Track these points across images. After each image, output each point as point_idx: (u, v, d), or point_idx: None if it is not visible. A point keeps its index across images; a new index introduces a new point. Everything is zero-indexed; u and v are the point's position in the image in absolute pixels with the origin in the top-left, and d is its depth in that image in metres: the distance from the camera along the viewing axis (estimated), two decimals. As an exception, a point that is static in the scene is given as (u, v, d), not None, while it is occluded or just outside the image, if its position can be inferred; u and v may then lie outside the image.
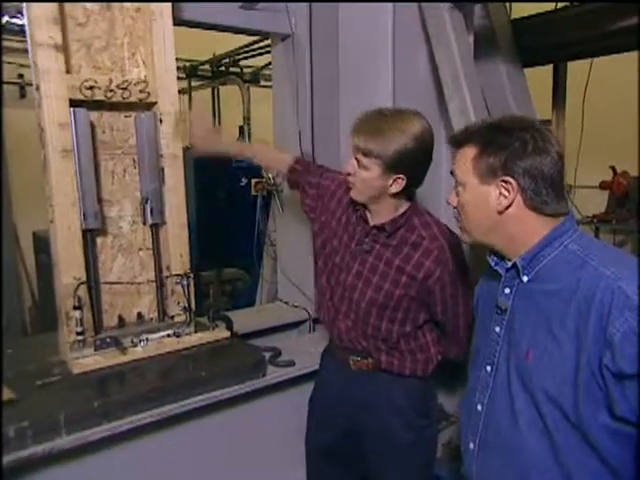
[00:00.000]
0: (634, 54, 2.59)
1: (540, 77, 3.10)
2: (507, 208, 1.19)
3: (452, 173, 1.31)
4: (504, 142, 1.18)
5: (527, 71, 2.83)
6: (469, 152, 1.24)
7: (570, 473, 1.13)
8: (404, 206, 1.74)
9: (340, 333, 1.85)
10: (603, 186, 4.41)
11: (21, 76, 4.82)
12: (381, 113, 1.65)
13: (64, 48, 1.80)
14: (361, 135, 1.62)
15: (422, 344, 1.81)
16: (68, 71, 1.83)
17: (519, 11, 2.90)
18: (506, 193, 1.18)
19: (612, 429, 1.07)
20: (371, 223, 1.76)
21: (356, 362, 1.83)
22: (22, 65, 4.51)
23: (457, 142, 1.30)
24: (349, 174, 1.69)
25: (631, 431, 1.06)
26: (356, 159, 1.65)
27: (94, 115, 1.94)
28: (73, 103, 1.82)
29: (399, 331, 1.77)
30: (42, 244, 4.32)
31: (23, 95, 4.92)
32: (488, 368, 1.28)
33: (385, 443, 1.83)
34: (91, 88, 1.86)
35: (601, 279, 1.07)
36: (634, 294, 1.02)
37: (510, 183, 1.17)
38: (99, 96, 1.88)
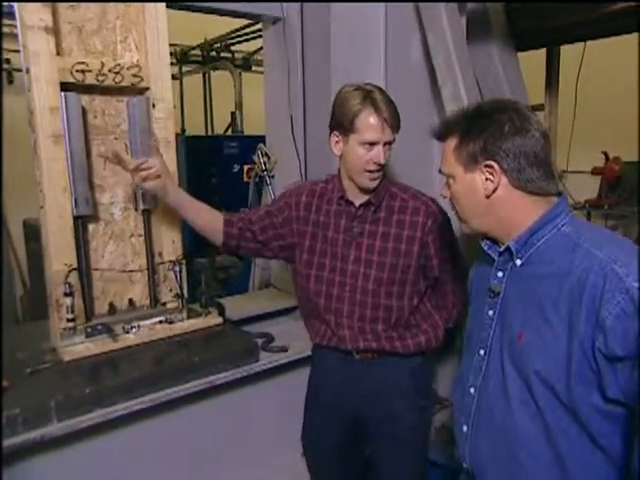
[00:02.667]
0: (627, 37, 2.58)
1: (533, 62, 3.10)
2: (494, 191, 1.19)
3: (440, 171, 1.31)
4: (481, 127, 1.18)
5: (520, 55, 2.82)
6: (450, 143, 1.25)
7: (561, 453, 1.14)
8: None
9: (344, 340, 1.80)
10: (595, 172, 4.42)
11: (8, 61, 4.76)
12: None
13: (55, 31, 1.78)
14: (389, 115, 1.66)
15: (425, 313, 1.83)
16: (59, 54, 1.80)
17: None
18: (491, 177, 1.19)
19: (603, 410, 1.08)
20: (357, 203, 1.78)
21: (361, 353, 1.81)
22: (9, 50, 4.45)
23: (439, 135, 1.31)
24: None
25: (621, 412, 1.07)
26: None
27: (85, 99, 1.92)
28: (64, 87, 1.80)
29: (409, 306, 1.78)
30: (33, 232, 4.29)
31: (11, 81, 4.86)
32: (481, 352, 1.29)
33: (389, 427, 1.82)
34: (82, 72, 1.83)
35: (594, 262, 1.07)
36: (626, 276, 1.02)
37: (492, 167, 1.17)
38: (90, 80, 1.86)
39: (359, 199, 1.78)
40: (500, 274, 1.26)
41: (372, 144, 1.66)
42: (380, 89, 1.70)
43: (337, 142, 1.74)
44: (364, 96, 1.65)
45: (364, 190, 1.75)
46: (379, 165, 1.68)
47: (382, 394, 1.81)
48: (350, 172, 1.75)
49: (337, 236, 1.80)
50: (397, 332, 1.79)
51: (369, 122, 1.64)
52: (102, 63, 1.88)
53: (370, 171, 1.69)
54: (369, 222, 1.77)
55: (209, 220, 1.89)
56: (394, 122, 1.67)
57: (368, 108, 1.64)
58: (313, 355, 1.99)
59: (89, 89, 1.91)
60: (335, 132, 1.74)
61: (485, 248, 1.28)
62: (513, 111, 1.18)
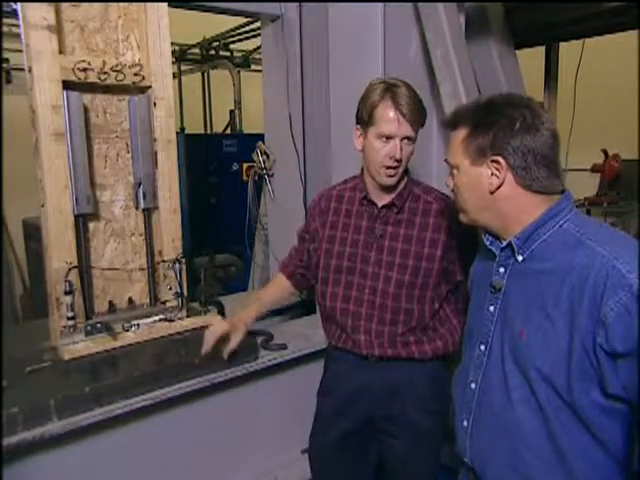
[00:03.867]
0: (626, 34, 2.59)
1: (533, 60, 3.10)
2: (499, 187, 1.19)
3: (446, 161, 1.31)
4: (492, 121, 1.18)
5: (519, 54, 2.82)
6: (460, 134, 1.24)
7: (561, 448, 1.14)
8: (404, 179, 1.76)
9: (359, 345, 1.77)
10: (595, 169, 4.42)
11: (7, 60, 4.75)
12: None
13: (57, 29, 1.78)
14: (408, 109, 1.62)
15: (443, 317, 1.80)
16: (61, 52, 1.81)
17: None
18: (497, 173, 1.18)
19: (604, 406, 1.08)
20: (380, 204, 1.75)
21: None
22: (8, 49, 4.44)
23: (449, 125, 1.30)
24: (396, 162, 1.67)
25: (622, 408, 1.08)
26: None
27: (87, 98, 1.92)
28: (66, 85, 1.80)
29: (430, 310, 1.75)
30: (32, 231, 4.30)
31: (9, 80, 4.86)
32: (482, 347, 1.29)
33: (401, 431, 1.80)
34: (84, 70, 1.84)
35: (596, 258, 1.07)
36: (629, 273, 1.03)
37: (499, 162, 1.17)
38: (92, 78, 1.87)
39: (382, 200, 1.75)
40: (502, 270, 1.26)
41: (389, 138, 1.63)
42: (406, 84, 1.66)
43: (359, 136, 1.71)
44: (385, 89, 1.63)
45: (384, 188, 1.72)
46: (396, 160, 1.64)
47: (396, 397, 1.78)
48: (369, 167, 1.72)
49: (358, 237, 1.78)
50: (415, 336, 1.76)
51: (386, 114, 1.61)
52: (104, 62, 1.88)
53: (387, 167, 1.65)
54: (391, 223, 1.74)
55: (283, 291, 2.06)
56: (413, 117, 1.62)
57: (386, 101, 1.61)
58: (328, 354, 1.96)
59: (91, 88, 1.92)
60: (357, 125, 1.71)
61: (487, 243, 1.28)
62: (525, 108, 1.17)
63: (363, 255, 1.76)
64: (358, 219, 1.79)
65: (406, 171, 1.76)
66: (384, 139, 1.63)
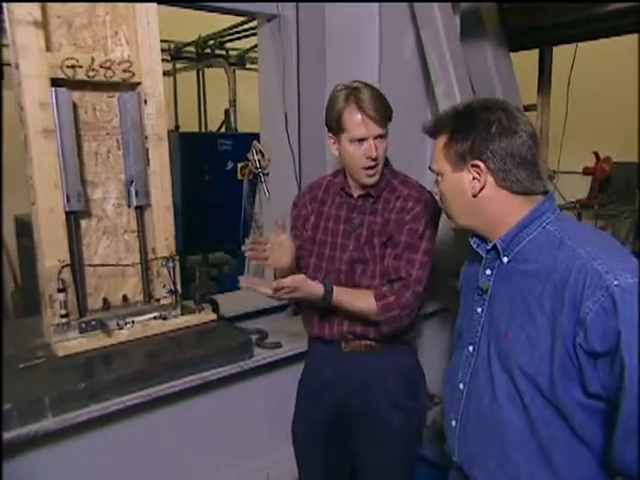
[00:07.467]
0: (619, 39, 2.61)
1: (526, 62, 3.12)
2: (481, 191, 1.21)
3: (430, 168, 1.33)
4: (469, 127, 1.20)
5: (513, 56, 2.84)
6: (440, 141, 1.27)
7: (545, 446, 1.16)
8: (383, 171, 1.79)
9: (332, 332, 1.80)
10: (586, 172, 4.44)
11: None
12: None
13: (44, 25, 1.76)
14: (373, 110, 1.66)
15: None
16: (48, 49, 1.79)
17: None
18: (478, 177, 1.20)
19: (585, 404, 1.10)
20: (356, 194, 1.80)
21: (349, 343, 1.80)
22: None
23: (430, 133, 1.32)
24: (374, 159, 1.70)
25: (602, 406, 1.10)
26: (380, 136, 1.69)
27: (76, 95, 1.91)
28: (54, 82, 1.79)
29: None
30: (24, 228, 4.28)
31: (1, 76, 4.82)
32: (470, 348, 1.31)
33: (371, 425, 1.82)
34: (73, 67, 1.82)
35: (576, 259, 1.09)
36: (606, 274, 1.04)
37: (479, 167, 1.19)
38: (81, 75, 1.85)
39: (358, 191, 1.80)
40: (488, 272, 1.28)
41: (361, 140, 1.67)
42: (366, 85, 1.70)
43: (333, 143, 1.76)
44: (347, 95, 1.68)
45: (366, 186, 1.77)
46: (373, 160, 1.69)
47: (367, 390, 1.80)
48: (349, 171, 1.78)
49: (337, 227, 1.82)
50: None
51: (353, 119, 1.66)
52: (92, 58, 1.86)
53: (366, 167, 1.70)
54: (368, 213, 1.79)
55: None
56: (378, 116, 1.66)
57: (351, 106, 1.66)
58: (308, 346, 2.00)
59: (80, 85, 1.90)
60: (329, 133, 1.76)
61: (474, 246, 1.30)
62: (501, 112, 1.19)
63: (343, 244, 1.81)
64: (338, 210, 1.84)
65: (386, 163, 1.80)
66: (357, 142, 1.68)
